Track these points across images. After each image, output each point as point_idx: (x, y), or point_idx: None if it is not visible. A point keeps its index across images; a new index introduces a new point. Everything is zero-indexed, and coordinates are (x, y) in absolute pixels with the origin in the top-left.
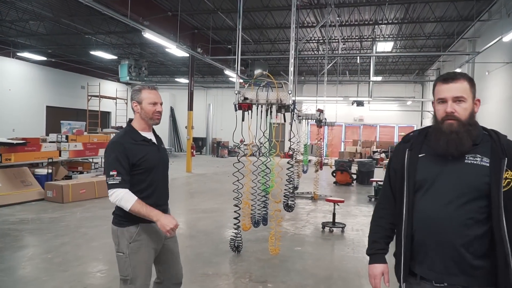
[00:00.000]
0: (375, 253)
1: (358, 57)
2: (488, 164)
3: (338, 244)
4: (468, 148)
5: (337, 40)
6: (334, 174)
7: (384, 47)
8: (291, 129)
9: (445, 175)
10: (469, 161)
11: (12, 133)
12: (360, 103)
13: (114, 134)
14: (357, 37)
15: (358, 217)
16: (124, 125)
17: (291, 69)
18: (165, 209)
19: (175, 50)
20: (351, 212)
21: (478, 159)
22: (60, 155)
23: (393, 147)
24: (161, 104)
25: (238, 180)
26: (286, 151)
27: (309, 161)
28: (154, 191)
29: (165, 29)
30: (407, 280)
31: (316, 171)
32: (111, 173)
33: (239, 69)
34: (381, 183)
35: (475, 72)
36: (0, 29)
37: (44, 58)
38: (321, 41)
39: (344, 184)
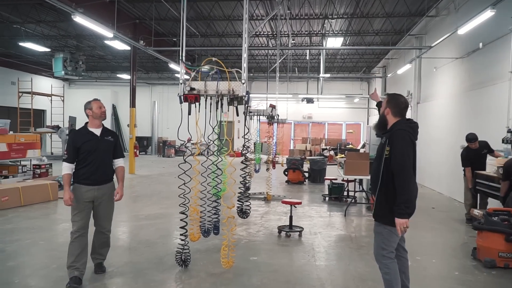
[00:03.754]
0: None
1: (308, 54)
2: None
3: (297, 250)
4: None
5: (287, 35)
6: (286, 173)
7: (334, 43)
8: (245, 124)
9: None
10: None
11: None
12: (310, 100)
13: (49, 134)
14: (306, 32)
15: (314, 218)
16: (60, 124)
17: (244, 55)
18: (101, 180)
19: (116, 42)
20: (306, 213)
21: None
22: None
23: (341, 144)
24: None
25: (184, 184)
26: (236, 150)
27: (274, 158)
28: (90, 165)
29: (103, 17)
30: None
31: (268, 169)
32: (65, 152)
33: (183, 56)
34: (335, 181)
35: (422, 69)
36: None
37: None
38: (271, 35)
39: (297, 183)
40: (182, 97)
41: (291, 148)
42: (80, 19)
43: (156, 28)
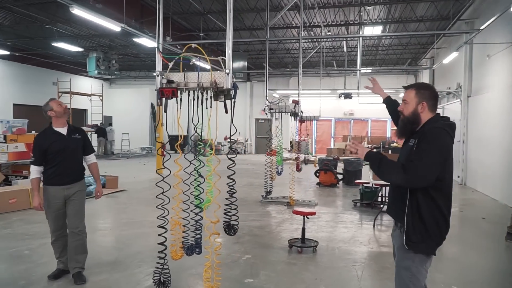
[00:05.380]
0: None
1: (345, 46)
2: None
3: (305, 271)
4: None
5: (319, 25)
6: (317, 174)
7: (372, 32)
8: (231, 123)
9: None
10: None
11: None
12: (348, 96)
13: (89, 133)
14: (342, 22)
15: (337, 229)
16: (99, 123)
17: (229, 41)
18: (71, 179)
19: (144, 40)
20: (331, 221)
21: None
22: None
23: (385, 142)
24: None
25: (163, 193)
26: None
27: (296, 158)
28: (59, 165)
29: (123, 12)
30: None
31: (301, 169)
32: (31, 155)
33: (161, 40)
34: (368, 185)
35: (474, 57)
36: None
37: (7, 52)
38: (304, 27)
39: (329, 186)
40: (158, 91)
41: (331, 146)
42: (78, 11)
43: (183, 23)
